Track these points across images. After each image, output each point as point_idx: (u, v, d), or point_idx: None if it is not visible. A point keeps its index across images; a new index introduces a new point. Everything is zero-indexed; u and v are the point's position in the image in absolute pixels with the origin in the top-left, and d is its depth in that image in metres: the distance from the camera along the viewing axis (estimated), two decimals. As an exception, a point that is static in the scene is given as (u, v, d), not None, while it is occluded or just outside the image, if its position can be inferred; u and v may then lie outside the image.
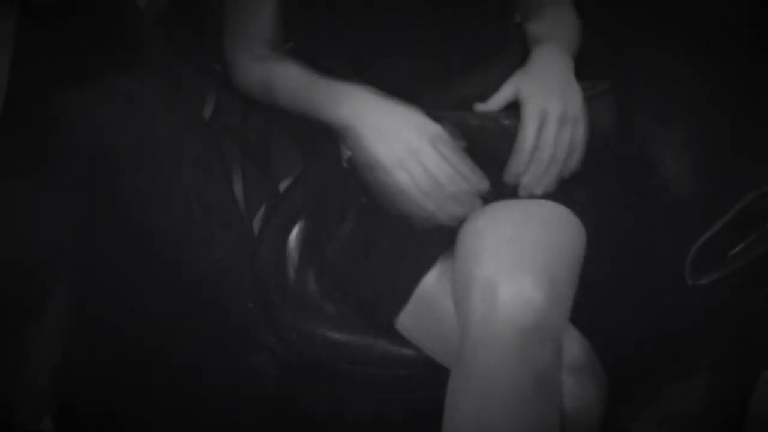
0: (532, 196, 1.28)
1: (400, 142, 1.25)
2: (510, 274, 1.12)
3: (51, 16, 1.53)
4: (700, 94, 1.59)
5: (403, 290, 1.31)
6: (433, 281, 1.30)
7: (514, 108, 1.31)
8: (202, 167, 1.43)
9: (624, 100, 1.42)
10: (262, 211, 1.70)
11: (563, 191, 1.29)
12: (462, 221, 1.27)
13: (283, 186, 1.76)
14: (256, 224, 1.68)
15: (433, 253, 1.32)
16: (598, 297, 1.35)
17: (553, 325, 1.12)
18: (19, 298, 1.25)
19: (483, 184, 1.26)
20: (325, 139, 1.37)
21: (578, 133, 1.29)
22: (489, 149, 1.30)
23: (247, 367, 1.55)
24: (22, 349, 1.25)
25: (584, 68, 1.39)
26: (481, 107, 1.33)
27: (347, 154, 1.31)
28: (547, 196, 1.28)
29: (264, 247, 1.62)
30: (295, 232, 1.61)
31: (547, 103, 1.28)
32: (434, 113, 1.30)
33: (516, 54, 1.46)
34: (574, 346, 1.22)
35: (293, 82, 1.39)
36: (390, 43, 1.40)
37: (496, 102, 1.33)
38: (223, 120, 1.59)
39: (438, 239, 1.30)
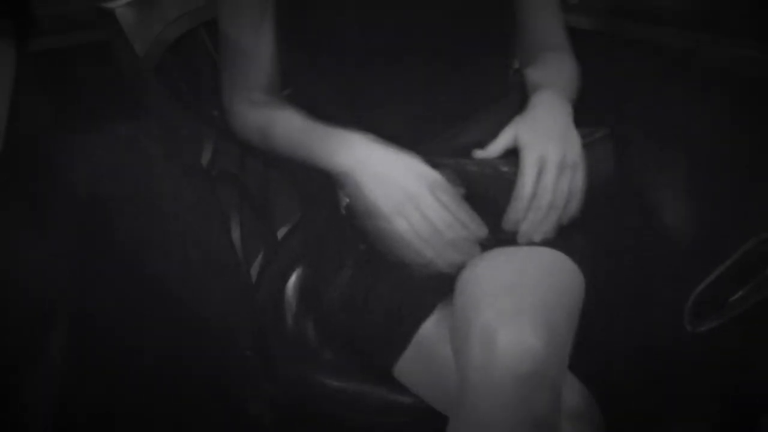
0: (530, 243, 1.29)
1: (398, 189, 1.26)
2: (509, 320, 1.13)
3: (49, 63, 1.56)
4: (699, 142, 1.62)
5: (401, 337, 1.32)
6: (431, 328, 1.31)
7: (513, 154, 1.32)
8: (200, 214, 1.43)
9: (623, 146, 1.43)
10: (260, 257, 1.70)
11: (562, 238, 1.31)
12: (460, 268, 1.28)
13: (281, 233, 1.78)
14: (255, 271, 1.69)
15: (431, 300, 1.33)
16: (597, 343, 1.36)
17: (552, 372, 1.13)
18: (15, 343, 1.25)
19: (481, 231, 1.28)
20: (324, 186, 1.39)
21: (577, 179, 1.30)
22: (488, 196, 1.31)
23: (246, 415, 1.56)
24: (18, 394, 1.26)
25: (583, 114, 1.41)
26: (479, 154, 1.35)
27: (346, 200, 1.33)
28: (546, 242, 1.29)
29: (262, 294, 1.64)
30: (293, 278, 1.63)
31: (546, 149, 1.29)
32: (433, 160, 1.31)
33: (515, 100, 1.48)
34: (573, 393, 1.24)
35: (292, 128, 1.42)
36: (389, 90, 1.42)
37: (494, 148, 1.34)
38: (221, 166, 1.60)
39: (437, 286, 1.32)
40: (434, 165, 1.31)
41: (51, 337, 1.33)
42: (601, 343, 1.38)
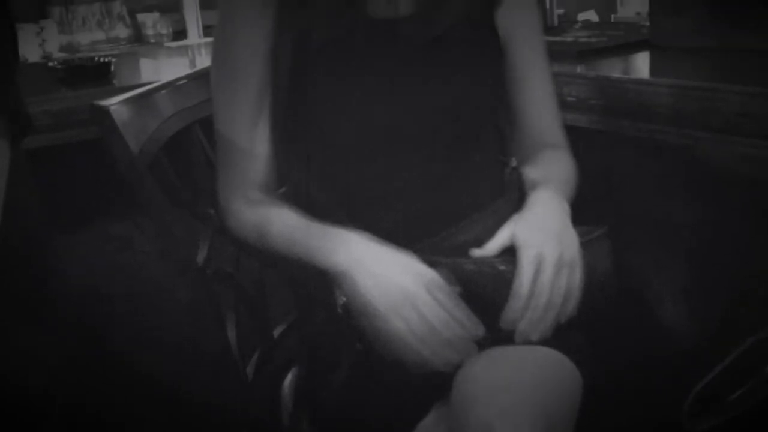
0: (528, 342, 1.33)
1: (395, 288, 1.30)
2: (506, 420, 1.17)
3: (43, 160, 1.60)
4: (698, 240, 1.66)
5: (398, 437, 1.35)
6: (429, 428, 1.34)
7: (510, 253, 1.36)
8: (195, 313, 1.46)
9: (621, 245, 1.46)
10: (256, 356, 1.72)
11: (560, 337, 1.34)
12: (458, 367, 1.31)
13: (277, 332, 1.80)
14: (250, 369, 1.70)
15: (428, 399, 1.37)
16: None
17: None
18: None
19: (478, 330, 1.31)
20: (320, 285, 1.42)
21: (575, 278, 1.34)
22: (485, 295, 1.35)
23: None
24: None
25: (581, 213, 1.46)
26: (477, 252, 1.38)
27: (342, 299, 1.36)
28: (544, 342, 1.33)
29: (258, 393, 1.65)
30: (289, 378, 1.65)
31: (544, 248, 1.33)
32: (430, 259, 1.35)
33: (512, 198, 1.53)
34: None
35: (288, 227, 1.45)
36: (385, 188, 1.48)
37: (492, 247, 1.38)
38: (217, 265, 1.63)
39: (434, 385, 1.35)
40: (431, 264, 1.35)
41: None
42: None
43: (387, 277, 1.32)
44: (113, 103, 1.61)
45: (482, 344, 1.33)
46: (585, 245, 1.39)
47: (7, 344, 1.27)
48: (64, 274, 1.38)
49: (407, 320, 1.29)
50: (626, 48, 2.23)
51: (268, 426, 1.58)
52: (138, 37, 4.18)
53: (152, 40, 4.04)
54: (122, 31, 4.16)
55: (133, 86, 1.82)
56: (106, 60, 2.54)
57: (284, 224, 1.47)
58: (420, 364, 1.30)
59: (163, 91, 1.74)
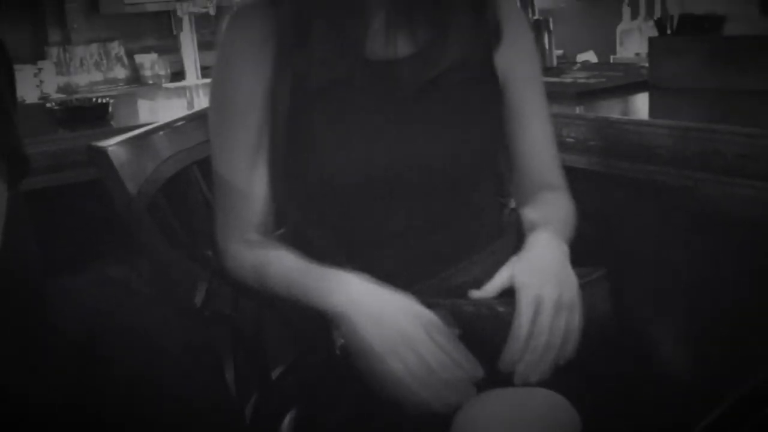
0: (527, 384, 1.33)
1: (393, 329, 1.31)
2: None
3: (40, 202, 1.61)
4: (697, 281, 1.67)
5: (397, 481, 1.35)
6: (428, 469, 1.35)
7: (509, 295, 1.37)
8: (192, 355, 1.47)
9: (621, 287, 1.47)
10: (254, 398, 1.71)
11: (558, 378, 1.35)
12: (456, 409, 1.32)
13: (275, 373, 1.78)
14: (249, 411, 1.69)
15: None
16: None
17: None
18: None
19: (477, 371, 1.32)
20: (319, 326, 1.43)
21: (573, 320, 1.35)
22: (483, 336, 1.36)
23: None
24: None
25: (580, 254, 1.46)
26: (475, 294, 1.40)
27: (340, 341, 1.37)
28: (542, 383, 1.34)
29: None
30: (287, 420, 1.64)
31: (543, 290, 1.34)
32: (428, 300, 1.36)
33: (511, 240, 1.55)
34: None
35: (286, 269, 1.46)
36: (384, 230, 1.49)
37: (490, 289, 1.39)
38: (215, 307, 1.64)
39: (432, 427, 1.34)
40: (430, 305, 1.36)
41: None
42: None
43: (385, 319, 1.33)
44: (111, 144, 1.63)
45: (481, 386, 1.34)
46: (584, 287, 1.40)
47: (5, 386, 1.27)
48: (61, 316, 1.38)
49: (406, 362, 1.30)
50: (625, 89, 2.26)
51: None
52: (136, 78, 4.22)
53: (150, 81, 4.08)
54: (120, 72, 4.20)
55: (130, 127, 1.85)
56: (104, 101, 2.56)
57: (282, 266, 1.48)
58: (418, 406, 1.31)
59: (161, 133, 1.76)
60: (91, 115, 2.49)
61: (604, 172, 1.82)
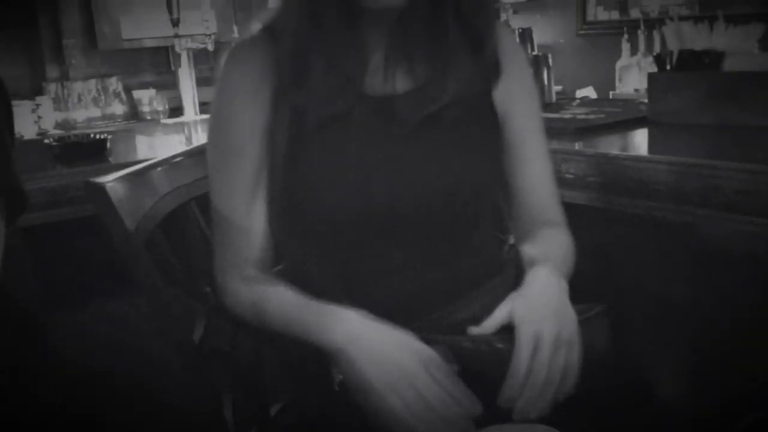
0: (526, 420, 1.33)
1: (392, 366, 1.31)
2: None
3: (38, 238, 1.61)
4: (697, 317, 1.68)
5: None
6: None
7: (508, 331, 1.37)
8: (191, 391, 1.47)
9: (620, 323, 1.47)
10: None
11: (558, 414, 1.35)
12: None
13: (274, 410, 1.78)
14: None
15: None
16: None
17: None
18: None
19: (476, 408, 1.32)
20: (318, 363, 1.43)
21: (573, 356, 1.35)
22: (483, 373, 1.36)
23: None
24: None
25: (579, 290, 1.47)
26: (474, 330, 1.39)
27: (339, 377, 1.37)
28: (542, 419, 1.34)
29: None
30: None
31: (542, 326, 1.34)
32: (427, 336, 1.36)
33: (510, 276, 1.56)
34: None
35: (285, 305, 1.47)
36: (382, 266, 1.50)
37: (489, 325, 1.39)
38: (213, 343, 1.64)
39: None
40: (429, 341, 1.36)
41: None
42: None
43: (384, 355, 1.33)
44: (109, 180, 1.63)
45: (480, 422, 1.34)
46: (583, 323, 1.40)
47: None
48: (60, 351, 1.39)
49: (404, 398, 1.30)
50: (625, 125, 2.27)
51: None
52: (134, 114, 4.23)
53: (148, 117, 4.09)
54: (118, 108, 4.21)
55: (129, 163, 1.85)
56: (102, 137, 2.58)
57: (281, 302, 1.48)
58: (417, 442, 1.31)
59: (159, 169, 1.76)
60: (89, 151, 2.51)
61: (604, 208, 1.83)
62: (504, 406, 1.34)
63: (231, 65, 1.54)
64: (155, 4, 4.35)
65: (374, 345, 1.35)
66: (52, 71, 4.37)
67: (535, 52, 2.96)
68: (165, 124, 3.76)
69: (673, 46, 2.34)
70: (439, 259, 1.52)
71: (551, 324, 1.36)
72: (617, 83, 3.91)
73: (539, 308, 1.39)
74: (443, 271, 1.52)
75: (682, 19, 2.43)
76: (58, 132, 3.82)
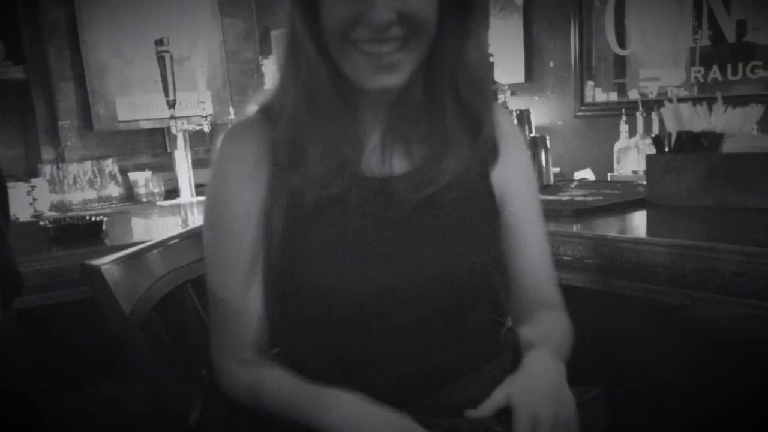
0: None
1: None
2: None
3: (33, 320, 1.62)
4: (696, 402, 1.68)
5: None
6: None
7: (506, 414, 1.37)
8: None
9: (618, 406, 1.48)
10: None
11: None
12: None
13: None
14: None
15: None
16: None
17: None
18: None
19: None
20: None
21: None
22: None
23: None
24: None
25: (577, 373, 1.47)
26: (471, 414, 1.40)
27: None
28: None
29: None
30: None
31: (539, 409, 1.35)
32: (424, 419, 1.37)
33: (508, 359, 1.57)
34: None
35: (281, 388, 1.47)
36: (379, 349, 1.50)
37: (487, 408, 1.39)
38: (209, 426, 1.64)
39: None
40: (426, 425, 1.36)
41: None
42: None
43: (381, 439, 1.33)
44: (105, 262, 1.65)
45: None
46: (581, 406, 1.40)
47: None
48: (54, 434, 1.40)
49: (401, 482, 1.29)
50: (623, 207, 2.29)
51: None
52: (130, 196, 4.24)
53: (144, 199, 4.11)
54: (114, 190, 4.23)
55: (124, 245, 1.87)
56: (98, 219, 2.59)
57: (278, 385, 1.49)
58: None
59: (155, 251, 1.78)
60: (84, 233, 2.52)
61: (602, 291, 1.84)
62: (502, 489, 1.33)
63: (227, 147, 1.56)
64: (151, 86, 4.40)
65: (371, 429, 1.35)
66: (47, 153, 4.40)
67: (533, 134, 2.98)
68: (161, 206, 3.77)
69: (672, 127, 2.37)
70: (436, 342, 1.53)
71: (549, 407, 1.36)
72: (615, 165, 3.95)
73: (537, 391, 1.39)
74: (440, 353, 1.53)
75: (680, 100, 2.46)
76: (53, 214, 3.83)
